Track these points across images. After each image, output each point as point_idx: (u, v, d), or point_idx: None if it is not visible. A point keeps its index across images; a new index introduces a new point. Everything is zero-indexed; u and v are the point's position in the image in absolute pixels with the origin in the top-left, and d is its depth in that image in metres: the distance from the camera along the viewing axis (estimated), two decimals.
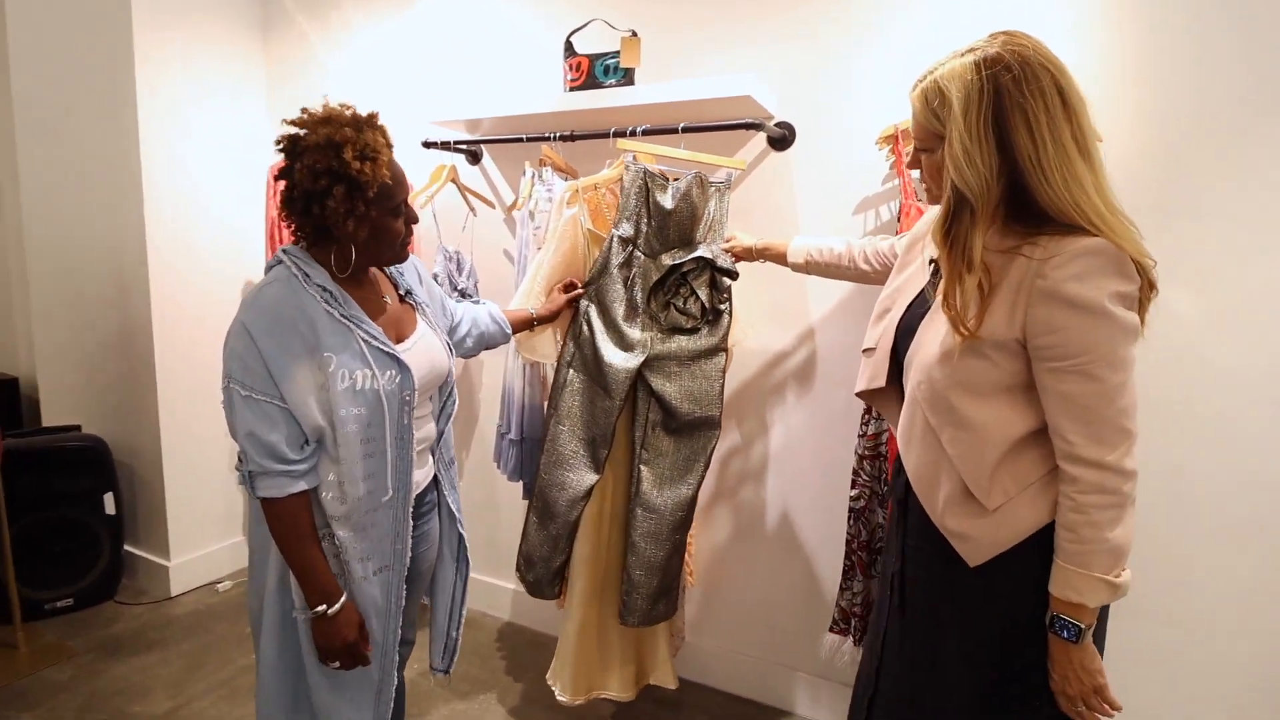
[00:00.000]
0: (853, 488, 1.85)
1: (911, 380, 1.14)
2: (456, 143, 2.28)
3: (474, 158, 2.40)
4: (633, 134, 1.84)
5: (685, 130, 1.79)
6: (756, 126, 1.76)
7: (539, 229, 1.89)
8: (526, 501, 2.20)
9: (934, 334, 1.11)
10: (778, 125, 1.91)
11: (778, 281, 1.96)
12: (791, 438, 2.05)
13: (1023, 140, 0.97)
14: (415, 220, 1.34)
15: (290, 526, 1.22)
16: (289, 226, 1.26)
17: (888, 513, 1.72)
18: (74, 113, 2.61)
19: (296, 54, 2.73)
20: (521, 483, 2.12)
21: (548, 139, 1.98)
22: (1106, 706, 1.04)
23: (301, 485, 1.21)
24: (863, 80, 1.83)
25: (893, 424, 1.37)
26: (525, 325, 1.75)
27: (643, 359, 1.71)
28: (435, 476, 1.49)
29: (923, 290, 1.23)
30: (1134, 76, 1.57)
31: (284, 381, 1.17)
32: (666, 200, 1.71)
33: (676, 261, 1.70)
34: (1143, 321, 1.02)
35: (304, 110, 1.22)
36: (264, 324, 1.18)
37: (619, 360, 1.71)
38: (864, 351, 1.35)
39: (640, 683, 1.92)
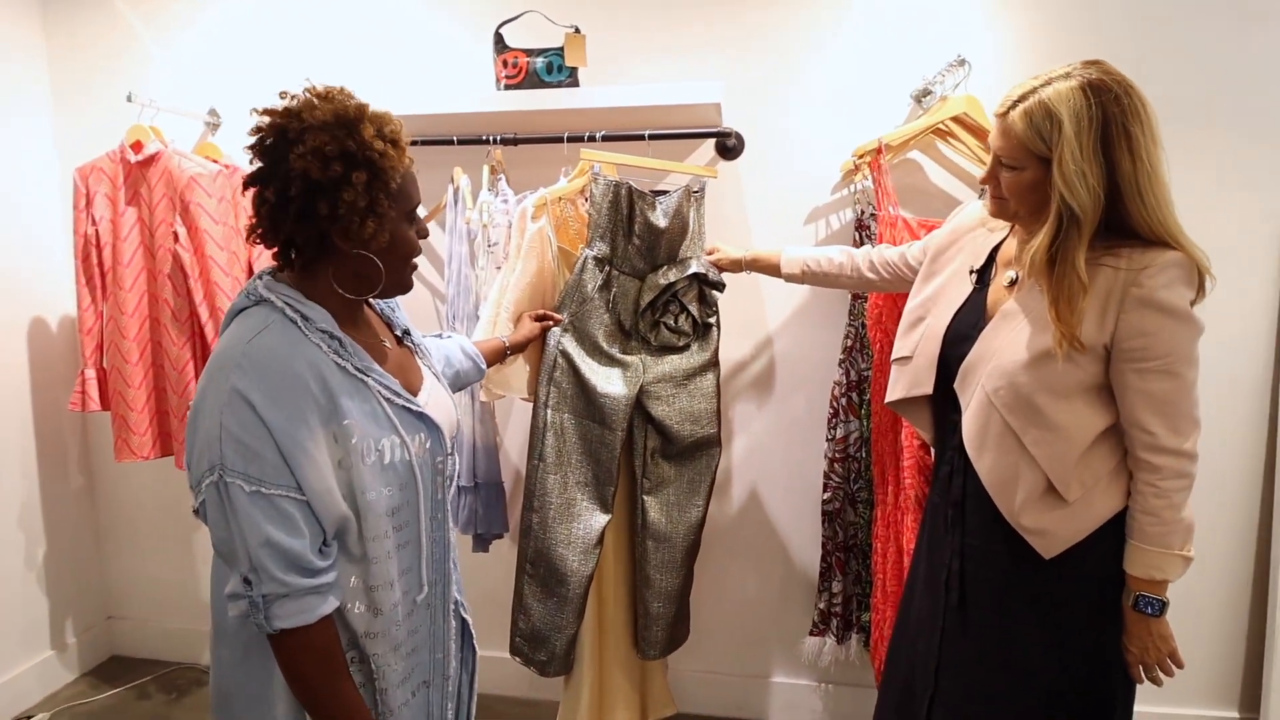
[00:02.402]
0: (825, 491, 1.88)
1: (984, 386, 1.17)
2: None
3: None
4: (589, 140, 1.70)
5: (652, 138, 1.69)
6: (722, 135, 1.72)
7: (495, 245, 1.67)
8: (478, 553, 1.95)
9: (1010, 341, 1.14)
10: (726, 133, 1.87)
11: (735, 291, 1.93)
12: (753, 446, 2.04)
13: (1126, 163, 1.03)
14: (425, 234, 1.07)
15: (322, 660, 0.91)
16: (270, 244, 0.95)
17: (881, 513, 1.77)
18: None
19: (101, 31, 2.14)
20: (473, 534, 1.86)
21: (485, 142, 1.75)
22: (1172, 666, 1.15)
23: (332, 602, 0.92)
24: (807, 90, 1.87)
25: (922, 430, 1.40)
26: (498, 356, 1.53)
27: (639, 385, 1.59)
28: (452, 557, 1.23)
29: (968, 299, 1.26)
30: None
31: (302, 465, 0.87)
32: (658, 218, 1.60)
33: (670, 280, 1.60)
34: None
35: (283, 93, 0.93)
36: (268, 388, 0.87)
37: (615, 390, 1.58)
38: (896, 360, 1.36)
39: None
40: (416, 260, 1.06)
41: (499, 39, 1.77)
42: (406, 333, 1.15)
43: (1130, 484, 1.14)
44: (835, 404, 1.85)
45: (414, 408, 1.02)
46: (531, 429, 1.62)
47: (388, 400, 0.98)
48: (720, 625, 2.12)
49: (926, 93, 1.78)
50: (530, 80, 1.74)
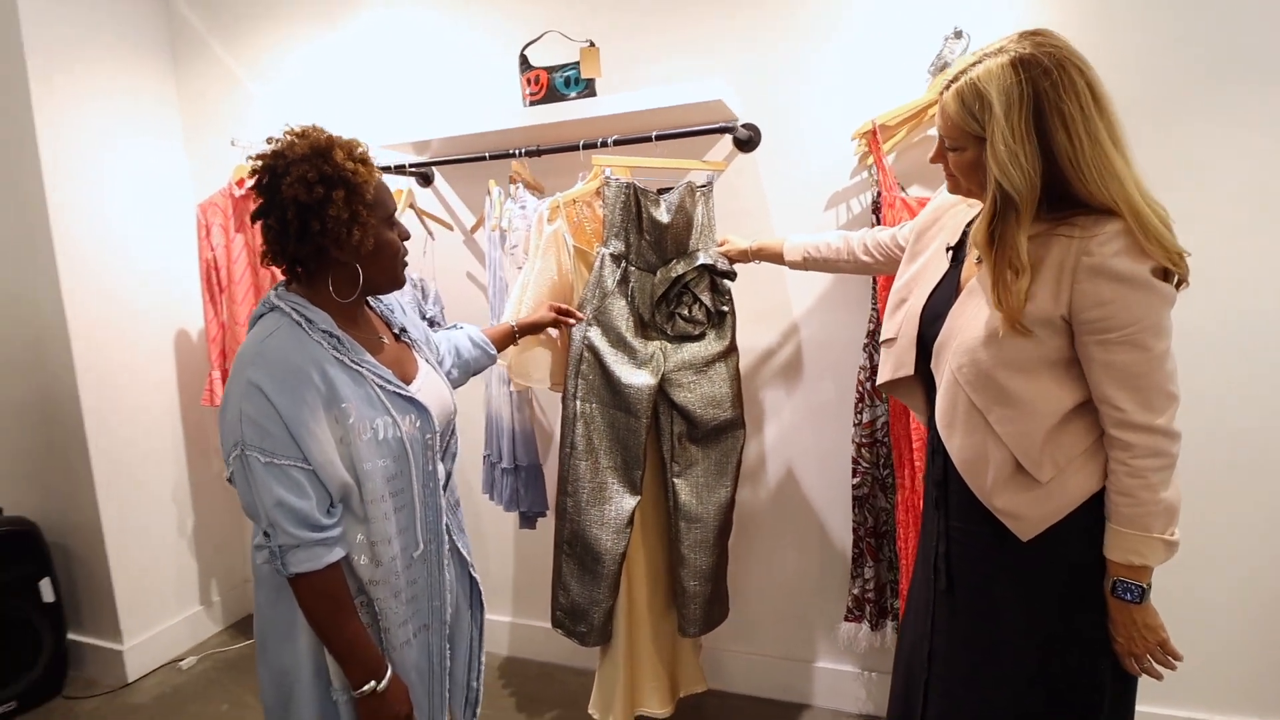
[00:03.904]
0: (854, 476, 1.88)
1: (950, 364, 1.15)
2: (410, 166, 2.18)
3: (425, 180, 2.30)
4: (603, 145, 1.81)
5: (659, 138, 1.78)
6: (730, 130, 1.77)
7: (515, 248, 1.83)
8: (523, 530, 2.13)
9: (972, 317, 1.13)
10: (744, 127, 1.92)
11: (760, 280, 1.98)
12: (785, 432, 2.07)
13: (1061, 141, 0.99)
14: (407, 235, 1.25)
15: (330, 601, 1.10)
16: (279, 264, 1.16)
17: (901, 497, 1.75)
18: None
19: (215, 83, 2.55)
20: (517, 513, 2.04)
21: (513, 155, 1.92)
22: (1169, 659, 1.09)
23: (338, 552, 1.11)
24: (821, 77, 1.87)
25: (917, 411, 1.38)
26: (508, 339, 1.65)
27: (660, 374, 1.69)
28: (445, 520, 1.40)
29: (944, 276, 1.25)
30: None
31: (306, 440, 1.06)
32: (662, 214, 1.69)
33: (679, 273, 1.69)
34: None
35: (269, 139, 1.13)
36: (276, 379, 1.06)
37: (638, 380, 1.68)
38: (883, 343, 1.36)
39: (675, 696, 1.91)
40: (406, 259, 1.24)
41: (523, 60, 1.93)
42: (404, 330, 1.33)
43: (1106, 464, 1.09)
44: (861, 388, 1.85)
45: (404, 392, 1.19)
46: (562, 419, 1.74)
47: (380, 386, 1.16)
48: (764, 608, 2.17)
49: (945, 66, 1.72)
50: (550, 95, 1.88)
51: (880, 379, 1.37)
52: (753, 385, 2.07)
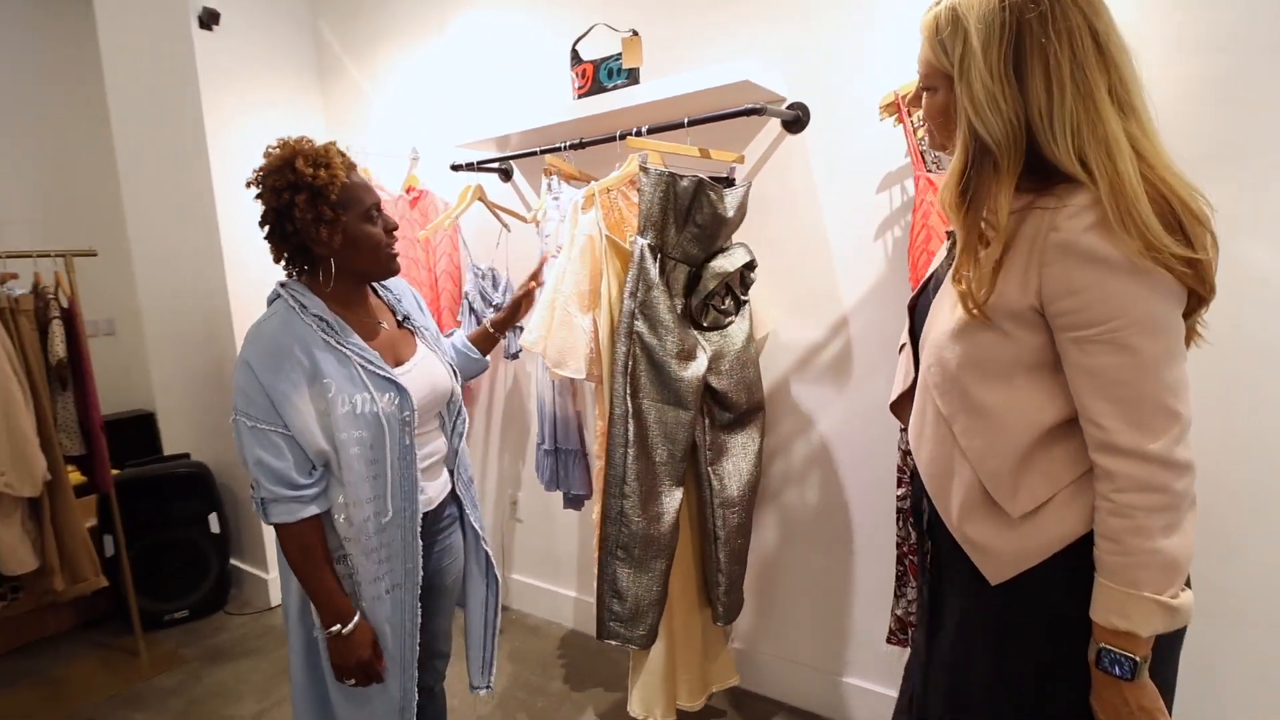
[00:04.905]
0: (899, 486, 1.71)
1: (922, 364, 1.02)
2: (482, 162, 2.32)
3: (505, 175, 2.44)
4: (638, 134, 1.81)
5: (691, 124, 1.74)
6: (759, 111, 1.68)
7: (548, 238, 1.89)
8: (570, 509, 2.21)
9: (944, 309, 0.98)
10: (790, 107, 1.81)
11: (803, 265, 1.87)
12: (832, 433, 1.94)
13: (1037, 87, 0.83)
14: (393, 227, 1.34)
15: (302, 550, 1.26)
16: (278, 261, 1.32)
17: None
18: (164, 170, 2.89)
19: (349, 97, 2.90)
20: (561, 493, 2.12)
21: (558, 149, 1.98)
22: None
23: (312, 509, 1.25)
24: (873, 52, 1.71)
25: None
26: (487, 339, 1.70)
27: (706, 364, 1.68)
28: (455, 493, 1.51)
29: (939, 266, 1.09)
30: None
31: (285, 410, 1.21)
32: (728, 209, 1.66)
33: (730, 270, 1.68)
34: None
35: (266, 153, 1.28)
36: (263, 357, 1.22)
37: (689, 373, 1.66)
38: (900, 349, 1.20)
39: (706, 689, 1.89)
40: (394, 250, 1.34)
41: (574, 54, 1.97)
42: (407, 317, 1.45)
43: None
44: None
45: (384, 374, 1.31)
46: (610, 417, 1.67)
47: (363, 366, 1.29)
48: (809, 618, 2.06)
49: None
50: (595, 87, 1.91)
51: (895, 393, 1.22)
52: (797, 382, 1.96)
